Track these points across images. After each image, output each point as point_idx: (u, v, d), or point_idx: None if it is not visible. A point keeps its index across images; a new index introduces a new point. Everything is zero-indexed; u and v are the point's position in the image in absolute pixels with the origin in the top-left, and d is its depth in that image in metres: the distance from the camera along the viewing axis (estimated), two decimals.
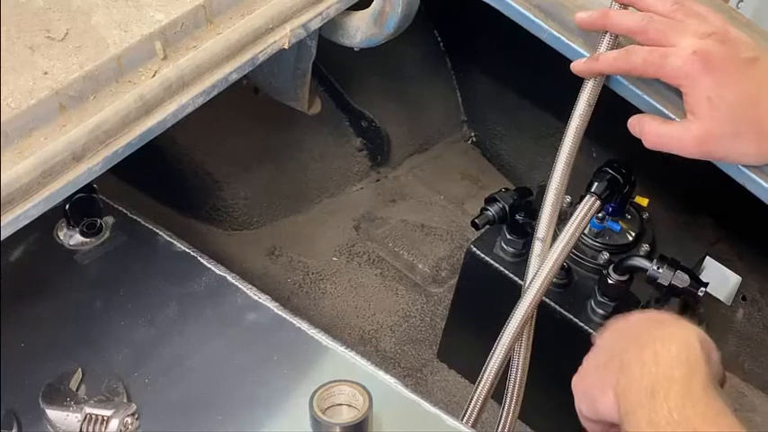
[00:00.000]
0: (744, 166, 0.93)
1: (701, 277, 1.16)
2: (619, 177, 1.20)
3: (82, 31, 0.88)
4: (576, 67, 0.98)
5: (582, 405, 0.84)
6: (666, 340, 0.75)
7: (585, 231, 1.29)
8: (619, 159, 1.23)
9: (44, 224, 0.99)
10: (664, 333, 0.77)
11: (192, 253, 1.00)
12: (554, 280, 1.21)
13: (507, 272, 1.31)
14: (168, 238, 1.01)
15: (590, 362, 0.85)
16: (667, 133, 0.92)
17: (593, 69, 0.96)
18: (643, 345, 0.76)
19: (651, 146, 0.94)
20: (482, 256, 1.34)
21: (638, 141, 0.95)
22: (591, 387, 0.82)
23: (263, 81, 1.33)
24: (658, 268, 1.15)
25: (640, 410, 0.73)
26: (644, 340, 0.77)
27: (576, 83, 1.00)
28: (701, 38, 0.88)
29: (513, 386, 1.12)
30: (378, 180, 1.83)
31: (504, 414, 1.13)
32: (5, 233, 0.78)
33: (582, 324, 1.25)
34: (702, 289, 1.14)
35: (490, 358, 1.07)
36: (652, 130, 0.93)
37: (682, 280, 1.14)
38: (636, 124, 0.95)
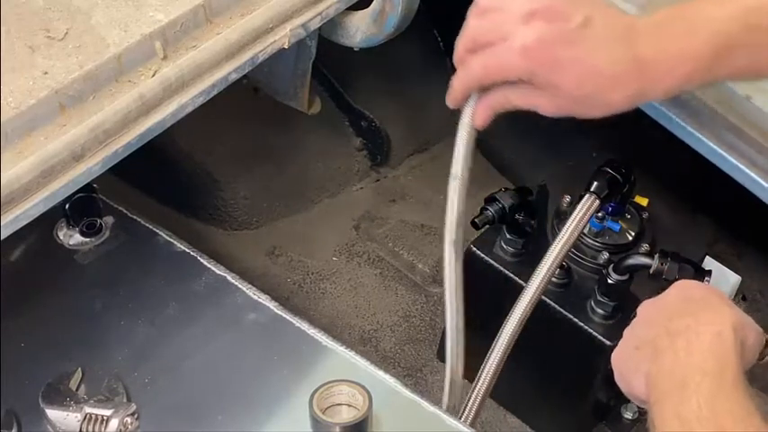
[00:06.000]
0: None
1: None
2: (618, 177, 1.20)
3: (82, 30, 0.88)
4: (451, 104, 0.94)
5: (620, 384, 0.83)
6: (701, 329, 0.74)
7: (585, 231, 1.29)
8: (619, 159, 1.23)
9: (44, 224, 0.99)
10: (698, 320, 0.76)
11: (191, 253, 1.00)
12: (554, 280, 1.22)
13: (507, 271, 1.31)
14: (168, 238, 1.01)
15: (627, 340, 0.84)
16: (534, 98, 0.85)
17: (457, 100, 0.93)
18: (676, 332, 0.75)
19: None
20: (482, 255, 1.34)
21: (638, 141, 0.95)
22: (626, 369, 0.82)
23: (263, 81, 1.34)
24: (662, 263, 1.15)
25: (669, 402, 0.72)
26: (677, 326, 0.76)
27: None
28: (526, 23, 0.80)
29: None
30: (378, 180, 1.83)
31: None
32: (5, 233, 0.78)
33: (582, 324, 1.25)
34: (707, 279, 1.14)
35: (488, 358, 1.07)
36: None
37: (688, 272, 1.14)
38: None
